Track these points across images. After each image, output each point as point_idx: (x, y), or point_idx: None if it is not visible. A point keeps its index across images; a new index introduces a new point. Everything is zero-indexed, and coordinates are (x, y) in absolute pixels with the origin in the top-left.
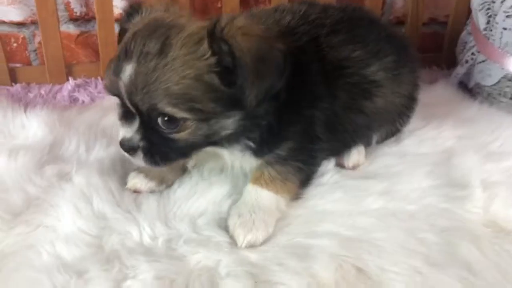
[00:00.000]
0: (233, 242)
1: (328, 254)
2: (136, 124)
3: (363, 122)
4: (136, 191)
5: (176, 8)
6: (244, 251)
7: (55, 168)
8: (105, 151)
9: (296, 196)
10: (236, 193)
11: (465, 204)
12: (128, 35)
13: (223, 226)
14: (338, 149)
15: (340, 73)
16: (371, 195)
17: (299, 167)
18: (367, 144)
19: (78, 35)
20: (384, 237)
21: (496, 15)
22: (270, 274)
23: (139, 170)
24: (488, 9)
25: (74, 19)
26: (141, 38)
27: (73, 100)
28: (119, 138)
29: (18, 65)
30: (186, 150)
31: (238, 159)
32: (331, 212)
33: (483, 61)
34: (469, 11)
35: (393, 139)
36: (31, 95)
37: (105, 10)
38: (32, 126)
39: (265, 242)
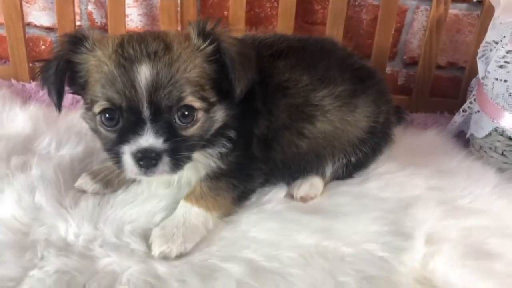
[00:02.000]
0: (149, 253)
1: (234, 279)
2: (150, 130)
3: (308, 147)
4: (81, 191)
5: None
6: (155, 263)
7: (21, 158)
8: (71, 150)
9: (228, 213)
10: (171, 210)
11: (402, 256)
12: (108, 53)
13: (147, 237)
14: (283, 174)
15: (283, 94)
16: (306, 230)
17: (233, 184)
18: (321, 175)
19: None
20: (299, 274)
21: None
22: None
23: (88, 172)
24: (487, 57)
25: (96, 28)
26: (135, 45)
27: (76, 102)
28: (135, 150)
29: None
30: (194, 150)
31: (189, 169)
32: (259, 241)
33: (478, 111)
34: None
35: (358, 179)
36: (42, 92)
37: (117, 21)
38: (18, 118)
39: (180, 257)
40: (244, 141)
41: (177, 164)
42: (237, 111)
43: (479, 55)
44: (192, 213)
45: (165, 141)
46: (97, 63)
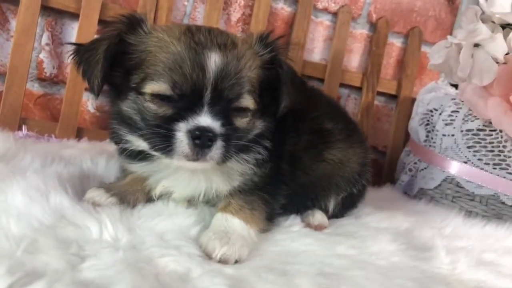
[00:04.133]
0: (205, 257)
1: (308, 276)
2: (208, 112)
3: (323, 171)
4: (94, 204)
5: None
6: (218, 265)
7: (6, 167)
8: (63, 169)
9: (264, 230)
10: (203, 225)
11: (433, 263)
12: (175, 35)
13: (193, 243)
14: (300, 198)
15: (305, 117)
16: (342, 245)
17: (265, 199)
18: (325, 210)
19: (40, 96)
20: (363, 274)
21: (435, 126)
22: (250, 284)
23: (99, 185)
24: (427, 124)
25: (41, 79)
26: (205, 33)
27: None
28: (193, 127)
29: None
30: (239, 146)
31: (218, 177)
32: (305, 251)
33: (425, 168)
34: (405, 139)
35: (352, 216)
36: None
37: None
38: None
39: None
40: (278, 154)
41: (227, 152)
42: (273, 125)
43: (419, 123)
44: (235, 223)
45: (222, 125)
46: (162, 44)
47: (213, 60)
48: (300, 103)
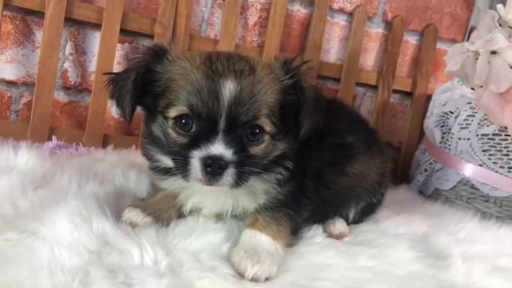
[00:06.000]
0: (238, 276)
1: None
2: (221, 140)
3: (344, 185)
4: (131, 224)
5: None
6: (250, 284)
7: (49, 191)
8: (99, 188)
9: (289, 244)
10: (233, 240)
11: (449, 272)
12: (196, 64)
13: (226, 262)
14: (322, 210)
15: (328, 134)
16: (363, 256)
17: (290, 215)
18: (346, 219)
19: (66, 104)
20: (384, 287)
21: (450, 128)
22: None
23: (135, 205)
24: (443, 126)
25: (66, 87)
26: (223, 61)
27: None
28: (205, 155)
29: None
30: (255, 168)
31: (245, 195)
32: (328, 265)
33: (441, 169)
34: (420, 136)
35: (370, 221)
36: (9, 144)
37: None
38: (24, 157)
39: (268, 280)
40: (301, 172)
41: (240, 178)
42: (296, 146)
43: (435, 124)
44: (263, 240)
45: (234, 153)
46: (183, 72)
47: (228, 88)
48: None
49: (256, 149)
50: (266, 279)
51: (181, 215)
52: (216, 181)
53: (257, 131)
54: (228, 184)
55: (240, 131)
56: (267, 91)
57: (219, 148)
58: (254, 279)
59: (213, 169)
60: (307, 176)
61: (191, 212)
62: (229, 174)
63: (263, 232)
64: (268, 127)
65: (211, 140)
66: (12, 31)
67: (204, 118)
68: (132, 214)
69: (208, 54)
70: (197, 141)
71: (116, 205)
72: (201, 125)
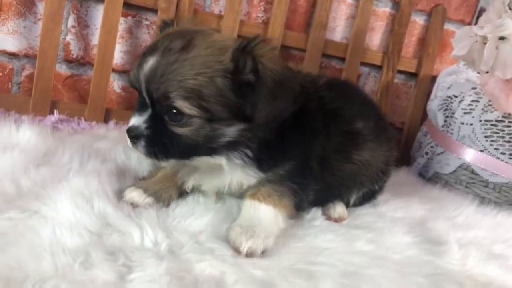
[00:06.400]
0: (236, 256)
1: (332, 278)
2: (146, 115)
3: (349, 172)
4: (133, 205)
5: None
6: (249, 267)
7: (50, 169)
8: (101, 166)
9: (292, 216)
10: (232, 220)
11: (445, 258)
12: (158, 37)
13: (225, 243)
14: (325, 195)
15: (336, 120)
16: (360, 240)
17: (294, 189)
18: (346, 203)
19: (68, 77)
20: (380, 273)
21: (454, 113)
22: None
23: (136, 185)
24: (446, 109)
25: (68, 61)
26: (168, 38)
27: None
28: (128, 126)
29: None
30: (186, 150)
31: (238, 172)
32: (327, 248)
33: (442, 152)
34: (422, 117)
35: (369, 204)
36: (11, 119)
37: (105, 55)
38: (26, 133)
39: (267, 258)
40: (303, 153)
41: (151, 151)
42: (298, 124)
43: (438, 108)
44: (262, 210)
45: (147, 128)
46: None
47: (148, 64)
48: (331, 104)
49: (182, 130)
50: (263, 252)
51: (181, 194)
52: (136, 148)
53: (175, 111)
54: (143, 153)
55: (158, 108)
56: (189, 73)
57: (133, 120)
58: (249, 254)
59: (129, 136)
60: (312, 157)
61: (192, 189)
62: (140, 145)
63: (263, 201)
64: (188, 110)
65: (135, 113)
66: (14, 2)
67: (139, 92)
68: (133, 195)
69: (167, 33)
70: (134, 111)
71: (117, 184)
72: (139, 99)
